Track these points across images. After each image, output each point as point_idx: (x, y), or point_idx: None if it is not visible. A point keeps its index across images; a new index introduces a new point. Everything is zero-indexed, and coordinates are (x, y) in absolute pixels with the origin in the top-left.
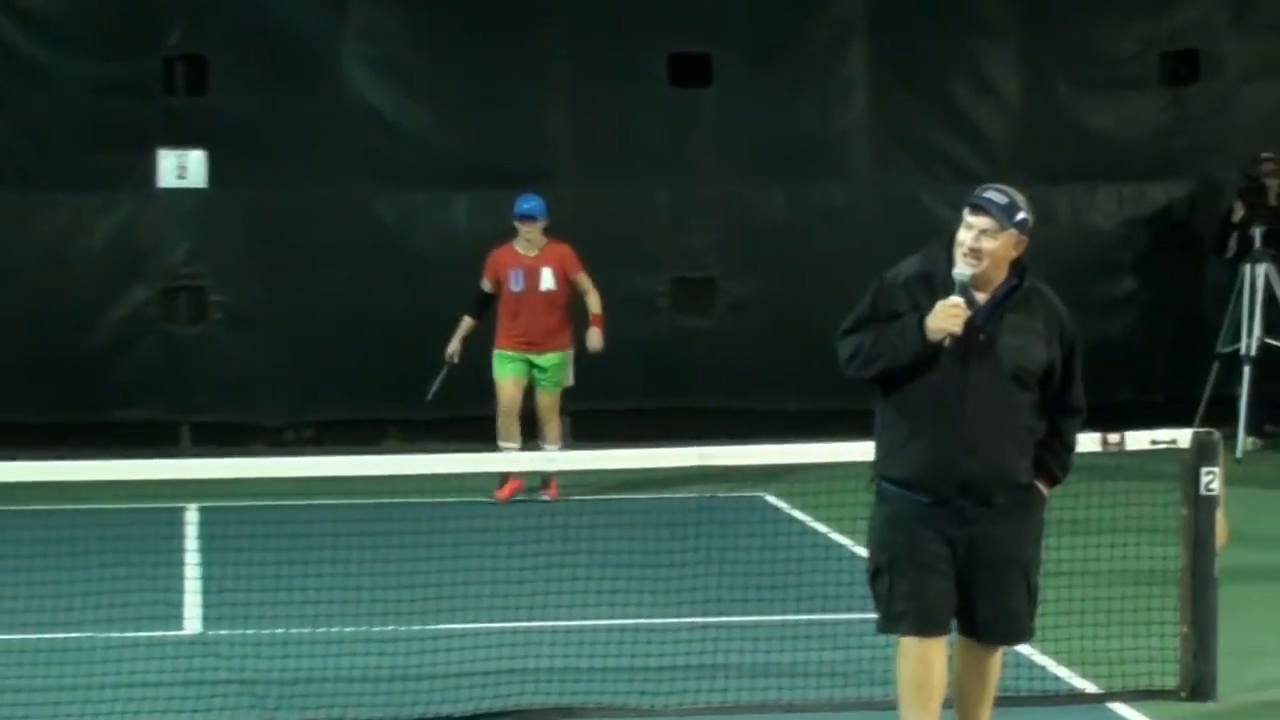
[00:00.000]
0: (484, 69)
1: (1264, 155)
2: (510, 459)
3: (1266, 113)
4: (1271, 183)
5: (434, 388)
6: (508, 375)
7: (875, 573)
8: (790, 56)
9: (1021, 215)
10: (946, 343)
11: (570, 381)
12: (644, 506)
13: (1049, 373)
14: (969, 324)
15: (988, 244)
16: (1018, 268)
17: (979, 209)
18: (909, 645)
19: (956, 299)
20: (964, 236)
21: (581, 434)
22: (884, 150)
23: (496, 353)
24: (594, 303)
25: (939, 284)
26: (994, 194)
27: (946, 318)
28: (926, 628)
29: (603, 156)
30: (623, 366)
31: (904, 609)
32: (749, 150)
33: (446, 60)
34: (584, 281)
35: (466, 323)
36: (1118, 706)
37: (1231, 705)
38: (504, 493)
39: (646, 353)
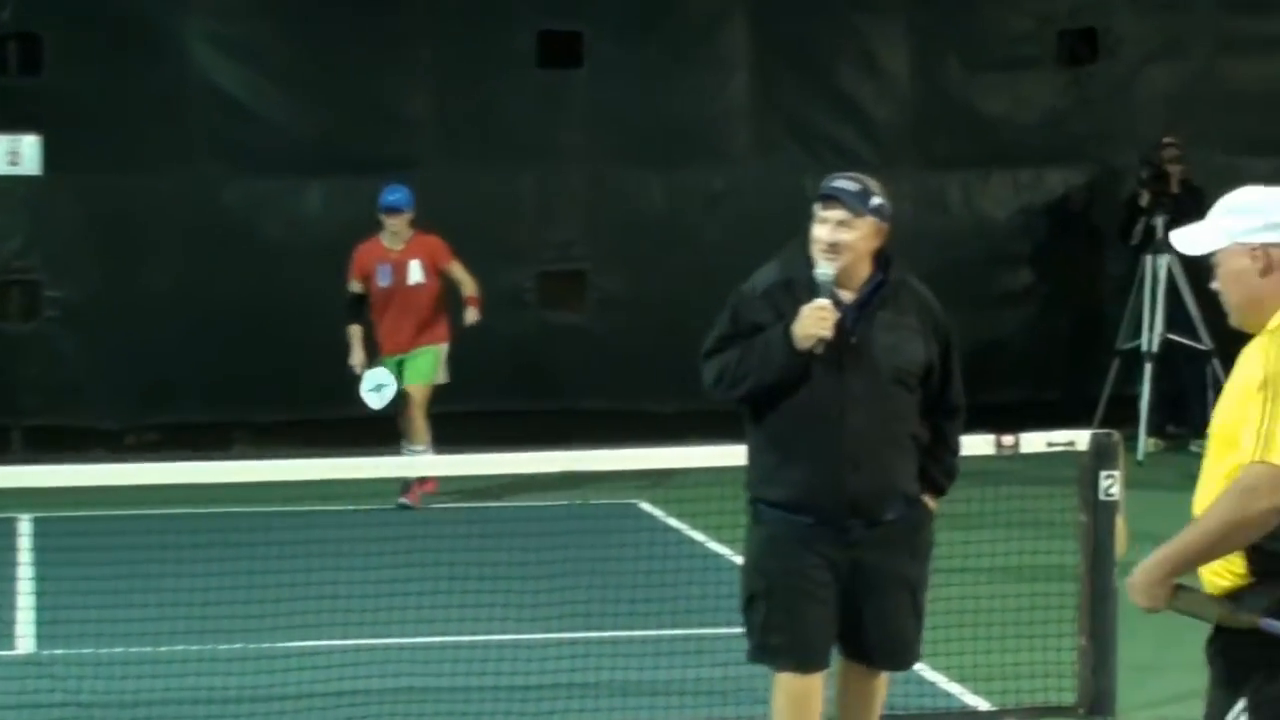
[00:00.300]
0: (340, 47)
1: (1166, 140)
2: (384, 463)
3: (1169, 94)
4: (1174, 169)
5: (369, 400)
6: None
7: (750, 600)
8: (666, 35)
9: (877, 200)
10: (817, 350)
11: (443, 379)
12: (510, 515)
13: (928, 371)
14: (839, 327)
15: (845, 236)
16: (882, 260)
17: (830, 200)
18: (786, 681)
19: (822, 301)
20: (819, 232)
21: (443, 438)
22: (765, 134)
23: (382, 359)
24: (470, 287)
25: (801, 288)
26: (843, 182)
27: (814, 322)
28: (805, 663)
29: (466, 141)
30: (487, 366)
31: (780, 642)
32: (622, 134)
33: (300, 38)
34: (457, 271)
35: (355, 330)
36: None
37: None
38: (416, 495)
39: (512, 351)
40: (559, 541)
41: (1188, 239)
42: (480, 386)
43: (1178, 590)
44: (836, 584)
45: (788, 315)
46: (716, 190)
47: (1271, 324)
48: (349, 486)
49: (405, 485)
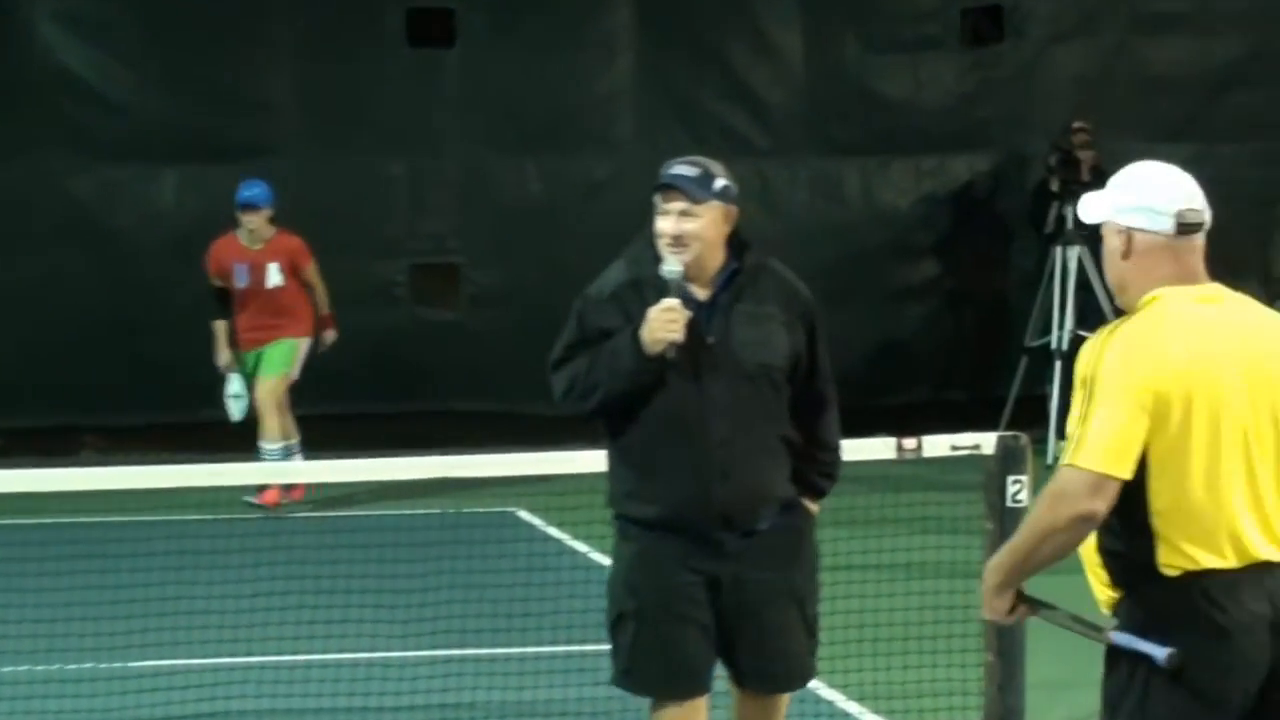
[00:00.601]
0: (196, 25)
1: (1077, 125)
2: (247, 468)
3: (1079, 76)
4: (1085, 155)
5: (229, 406)
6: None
7: (618, 619)
8: (544, 11)
9: (721, 183)
10: (669, 354)
11: (294, 375)
12: (379, 524)
13: (795, 363)
14: (691, 327)
15: (689, 226)
16: (735, 246)
17: (668, 189)
18: (666, 711)
19: (670, 301)
20: (662, 225)
21: (308, 441)
22: (652, 119)
23: (240, 355)
24: (323, 301)
25: (649, 287)
26: (681, 167)
27: (662, 325)
28: (685, 691)
29: (331, 126)
30: (355, 365)
31: (653, 669)
32: (498, 119)
33: (153, 15)
34: (312, 276)
35: (220, 327)
36: None
37: None
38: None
39: (382, 349)
40: (431, 553)
41: (1086, 205)
42: (348, 387)
43: (1032, 603)
44: (715, 602)
45: (636, 318)
46: (598, 179)
47: (1126, 317)
48: (207, 494)
49: (260, 484)
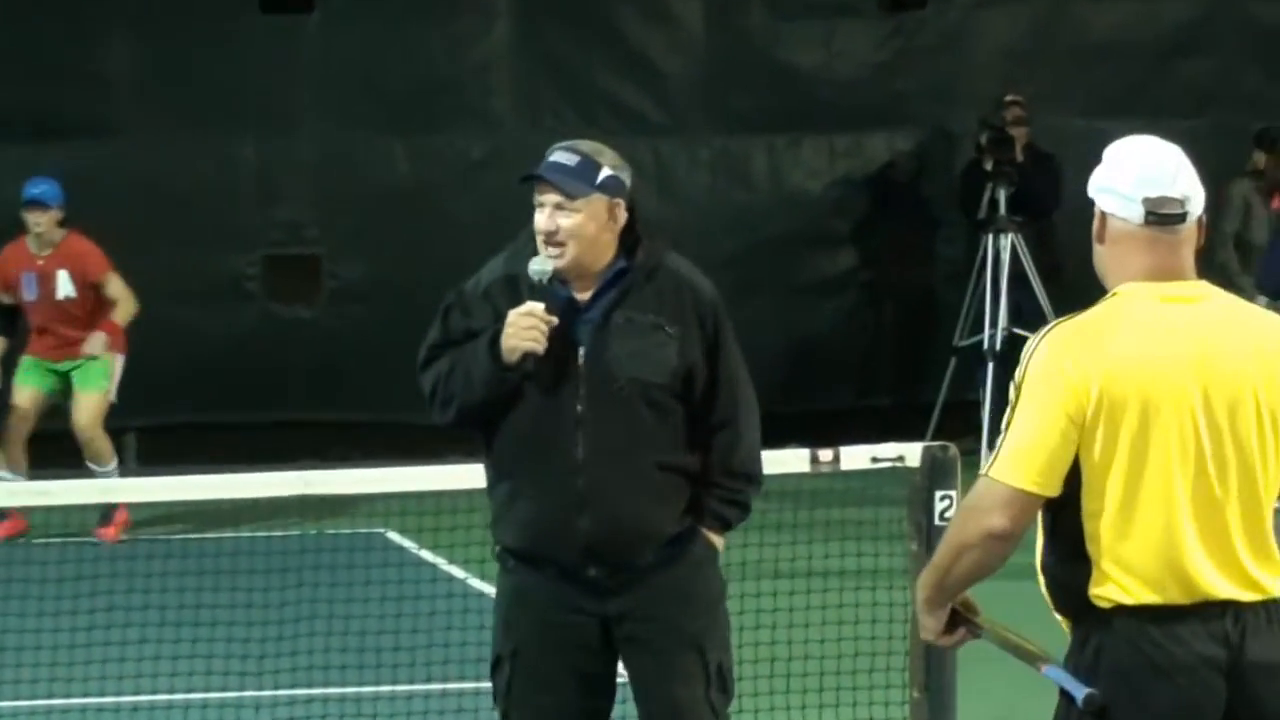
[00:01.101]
0: None
1: (1009, 99)
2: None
3: (1010, 46)
4: (1018, 132)
5: None
6: (27, 384)
7: (496, 663)
8: None
9: (607, 173)
10: (527, 365)
11: (112, 397)
12: (230, 548)
13: (688, 379)
14: (560, 334)
15: (565, 221)
16: (629, 242)
17: (541, 180)
18: None
19: (531, 305)
20: (537, 220)
21: (147, 455)
22: (534, 93)
23: (22, 358)
24: (123, 313)
25: (527, 286)
26: (560, 155)
27: (521, 331)
28: None
29: (175, 102)
30: (201, 370)
31: (528, 713)
32: (361, 94)
33: None
34: (114, 287)
35: None
36: None
37: None
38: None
39: (232, 352)
40: (289, 579)
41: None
42: (193, 394)
43: (972, 625)
44: (603, 647)
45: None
46: (474, 160)
47: (1075, 312)
48: (36, 515)
49: (105, 515)
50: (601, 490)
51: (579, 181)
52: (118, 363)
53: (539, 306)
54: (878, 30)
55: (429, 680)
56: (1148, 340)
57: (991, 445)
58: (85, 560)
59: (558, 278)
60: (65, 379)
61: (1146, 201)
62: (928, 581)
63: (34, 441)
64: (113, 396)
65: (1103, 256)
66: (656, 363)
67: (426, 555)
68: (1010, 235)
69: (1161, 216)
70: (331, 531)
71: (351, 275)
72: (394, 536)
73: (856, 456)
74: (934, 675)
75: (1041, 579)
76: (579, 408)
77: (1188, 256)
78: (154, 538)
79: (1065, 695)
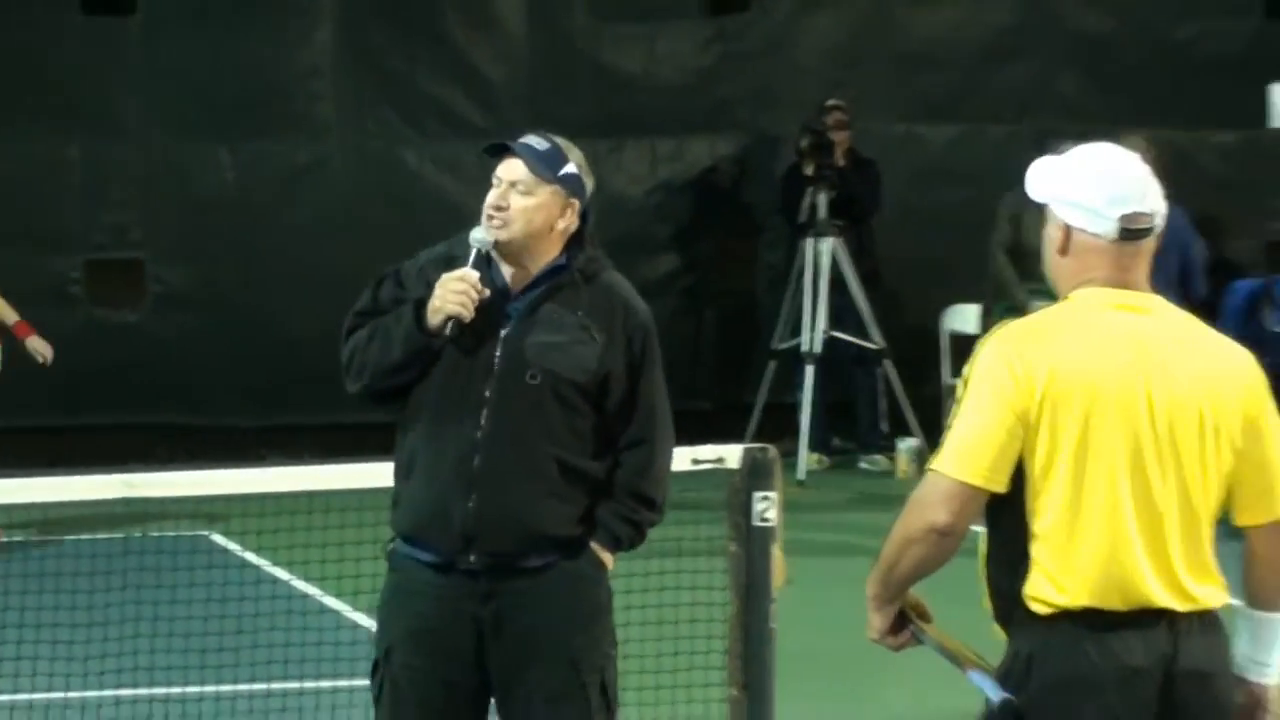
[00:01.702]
0: None
1: (831, 104)
2: None
3: (833, 50)
4: (840, 137)
5: None
6: None
7: (374, 667)
8: None
9: (570, 169)
10: (450, 331)
11: None
12: (54, 551)
13: (603, 385)
14: (486, 312)
15: (518, 201)
16: (575, 244)
17: (508, 152)
18: None
19: (465, 270)
20: (490, 196)
21: None
22: (358, 97)
23: None
24: (8, 313)
25: (463, 265)
26: (532, 139)
27: (450, 294)
28: None
29: None
30: (22, 373)
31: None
32: (185, 97)
33: None
34: None
35: None
36: None
37: None
38: None
39: (55, 355)
40: (115, 582)
41: (1033, 178)
42: (13, 398)
43: (915, 627)
44: (479, 650)
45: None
46: (299, 164)
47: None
48: None
49: None
50: (493, 473)
51: (543, 166)
52: None
53: (473, 274)
54: (700, 34)
55: (253, 680)
56: (1096, 344)
57: (813, 447)
58: None
59: (488, 251)
60: None
61: (1123, 219)
62: (874, 578)
63: None
64: None
65: (1062, 266)
66: (574, 360)
67: (250, 557)
68: (830, 239)
69: (1134, 232)
70: (155, 534)
71: (175, 279)
72: (219, 539)
73: (677, 458)
74: (753, 675)
75: (983, 587)
76: (486, 391)
77: (1144, 268)
78: None
79: (988, 703)
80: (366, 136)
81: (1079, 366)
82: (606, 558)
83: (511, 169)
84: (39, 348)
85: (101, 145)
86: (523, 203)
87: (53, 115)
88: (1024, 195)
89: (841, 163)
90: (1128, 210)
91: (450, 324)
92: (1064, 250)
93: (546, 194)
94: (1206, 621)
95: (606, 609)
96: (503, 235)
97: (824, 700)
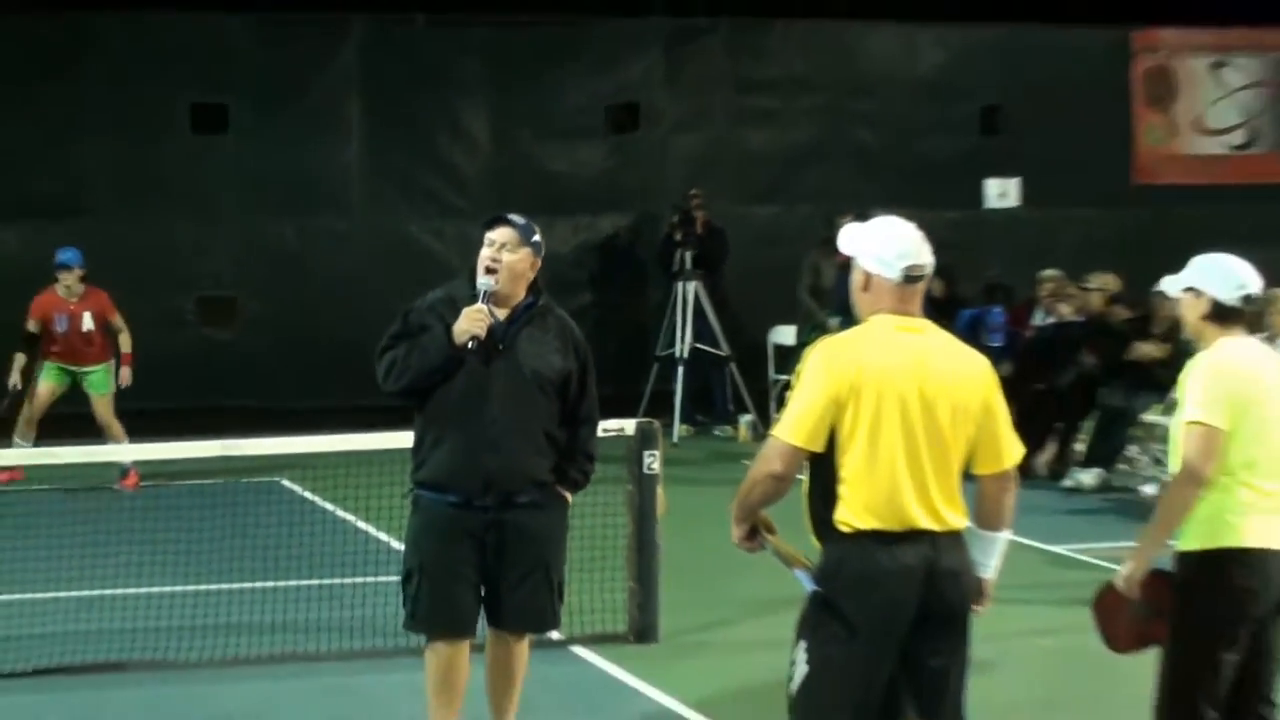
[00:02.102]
0: (24, 111)
1: (693, 192)
2: (24, 453)
3: (694, 156)
4: (699, 214)
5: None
6: (50, 381)
7: (407, 575)
8: (296, 108)
9: (537, 238)
10: (471, 346)
11: (112, 387)
12: (175, 491)
13: (566, 381)
14: (490, 332)
15: (507, 256)
16: (534, 288)
17: (501, 224)
18: (438, 648)
19: (480, 305)
20: (486, 250)
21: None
22: (377, 188)
23: (45, 364)
24: (125, 343)
25: (463, 303)
26: (515, 216)
27: (471, 321)
28: (453, 633)
29: (134, 193)
30: (157, 372)
31: (432, 614)
32: (262, 187)
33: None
34: (118, 323)
35: (19, 359)
36: (578, 649)
37: (670, 646)
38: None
39: (178, 361)
40: (217, 513)
41: (845, 237)
42: (150, 390)
43: (763, 538)
44: (482, 563)
45: (450, 322)
46: (339, 233)
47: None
48: (61, 471)
49: (123, 472)
50: (505, 440)
51: (523, 234)
52: (111, 365)
53: (485, 307)
54: (605, 147)
55: (310, 577)
56: (887, 352)
57: (683, 420)
58: (87, 500)
59: (491, 294)
60: (76, 377)
61: (905, 268)
62: (736, 504)
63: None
64: (126, 381)
65: (864, 299)
66: (549, 365)
67: (309, 495)
68: (694, 282)
69: (913, 278)
70: (244, 480)
71: (256, 311)
72: (287, 483)
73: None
74: (644, 572)
75: (807, 513)
76: (496, 384)
77: (919, 301)
78: (146, 485)
79: (810, 592)
80: (382, 214)
81: (875, 367)
82: (569, 497)
83: (503, 234)
84: (126, 379)
85: (207, 220)
86: (510, 258)
87: (175, 199)
88: (820, 253)
89: (700, 231)
90: (908, 263)
91: (472, 341)
92: (865, 288)
93: (523, 253)
94: (955, 538)
95: (565, 531)
96: (497, 279)
97: (692, 590)
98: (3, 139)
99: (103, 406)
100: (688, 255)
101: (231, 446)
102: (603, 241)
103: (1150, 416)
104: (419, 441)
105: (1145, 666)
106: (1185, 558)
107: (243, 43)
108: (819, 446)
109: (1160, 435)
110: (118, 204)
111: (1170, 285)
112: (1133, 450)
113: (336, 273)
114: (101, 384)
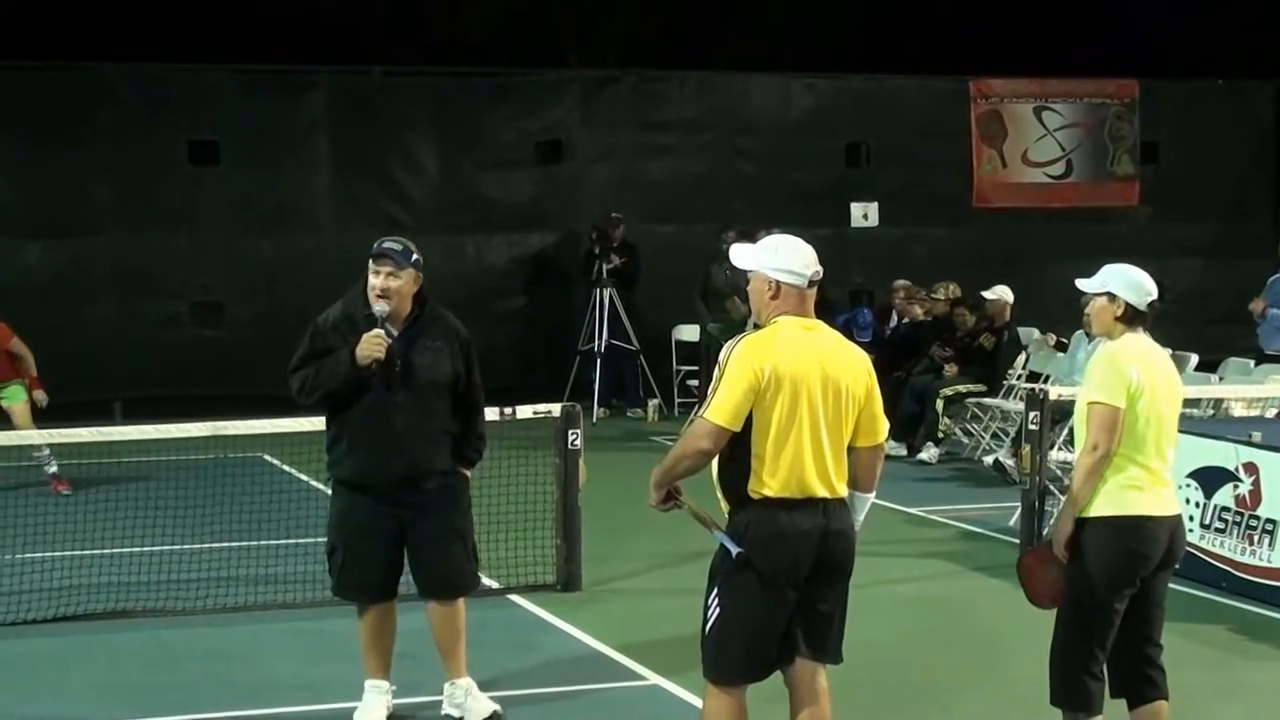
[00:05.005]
0: (46, 148)
1: (614, 215)
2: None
3: (607, 184)
4: (614, 232)
5: None
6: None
7: (331, 550)
8: (275, 144)
9: (415, 256)
10: (373, 367)
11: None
12: (172, 466)
13: (456, 380)
14: (389, 351)
15: (394, 283)
16: (420, 300)
17: (383, 257)
18: (361, 609)
19: (378, 331)
20: (374, 281)
21: (131, 413)
22: (343, 210)
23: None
24: (30, 366)
25: (360, 321)
26: (391, 244)
27: (371, 346)
28: (373, 598)
29: (139, 215)
30: (157, 365)
31: (353, 582)
32: (246, 211)
33: (15, 139)
34: (18, 347)
35: None
36: (513, 596)
37: (591, 593)
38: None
39: (174, 356)
40: (208, 483)
41: (739, 255)
42: (145, 380)
43: (679, 502)
44: (401, 539)
45: (350, 341)
46: (309, 249)
47: (760, 330)
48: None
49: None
50: (410, 444)
51: (403, 259)
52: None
53: (380, 332)
54: (535, 175)
55: (287, 536)
56: (794, 349)
57: (601, 405)
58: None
59: (385, 318)
60: None
61: (811, 275)
62: (658, 472)
63: None
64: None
65: (772, 305)
66: (441, 370)
67: (287, 468)
68: (609, 289)
69: (814, 283)
70: (230, 456)
71: (240, 314)
72: (268, 458)
73: (525, 411)
74: (568, 530)
75: (717, 483)
76: (398, 396)
77: (812, 303)
78: (126, 461)
79: (723, 550)
80: (346, 232)
81: (786, 361)
82: (469, 474)
83: (386, 265)
84: (42, 398)
85: (199, 237)
86: (396, 283)
87: (173, 220)
88: (712, 264)
89: (615, 245)
90: (812, 270)
91: (374, 364)
92: (775, 296)
93: (407, 275)
94: (841, 503)
95: (470, 502)
96: (389, 305)
97: (609, 545)
98: (27, 171)
99: (21, 410)
100: (605, 267)
101: (220, 427)
102: (532, 255)
103: (990, 400)
104: (333, 441)
105: (985, 607)
106: (1086, 523)
107: (230, 90)
108: (738, 428)
109: (998, 416)
110: (125, 224)
111: (1087, 286)
112: (975, 428)
113: (308, 281)
114: (19, 395)
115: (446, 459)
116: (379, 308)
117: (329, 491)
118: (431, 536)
